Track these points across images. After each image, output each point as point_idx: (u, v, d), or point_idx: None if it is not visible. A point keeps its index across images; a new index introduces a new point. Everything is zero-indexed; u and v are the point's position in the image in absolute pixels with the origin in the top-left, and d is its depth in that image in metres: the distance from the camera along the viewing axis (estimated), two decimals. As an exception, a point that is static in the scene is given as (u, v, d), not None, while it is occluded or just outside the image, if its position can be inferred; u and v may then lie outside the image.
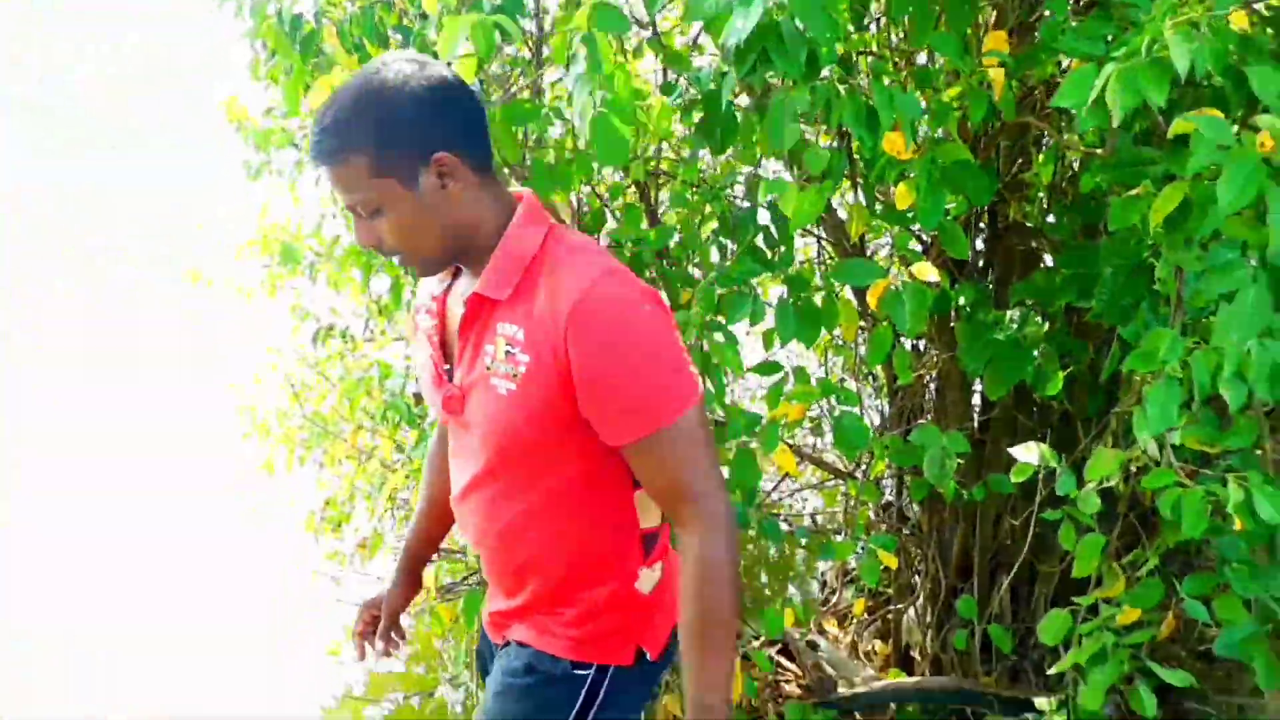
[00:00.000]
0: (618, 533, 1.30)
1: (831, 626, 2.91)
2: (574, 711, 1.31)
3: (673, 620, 1.30)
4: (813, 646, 2.61)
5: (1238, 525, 1.33)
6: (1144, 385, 1.36)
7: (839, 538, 2.49)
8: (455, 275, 1.31)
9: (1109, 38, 1.28)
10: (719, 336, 1.86)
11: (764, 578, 3.27)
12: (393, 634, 1.61)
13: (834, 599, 3.05)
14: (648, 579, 1.33)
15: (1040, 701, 1.97)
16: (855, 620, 2.80)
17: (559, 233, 1.21)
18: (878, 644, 2.72)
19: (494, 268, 1.19)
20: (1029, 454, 1.61)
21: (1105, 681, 1.85)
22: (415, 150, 1.12)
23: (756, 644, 2.37)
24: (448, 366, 1.28)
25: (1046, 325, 1.86)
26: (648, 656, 1.34)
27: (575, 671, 1.30)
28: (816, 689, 2.44)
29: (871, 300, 1.72)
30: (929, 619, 2.49)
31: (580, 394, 1.15)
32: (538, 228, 1.20)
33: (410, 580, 1.62)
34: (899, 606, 2.59)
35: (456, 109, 1.15)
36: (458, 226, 1.18)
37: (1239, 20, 1.21)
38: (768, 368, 1.95)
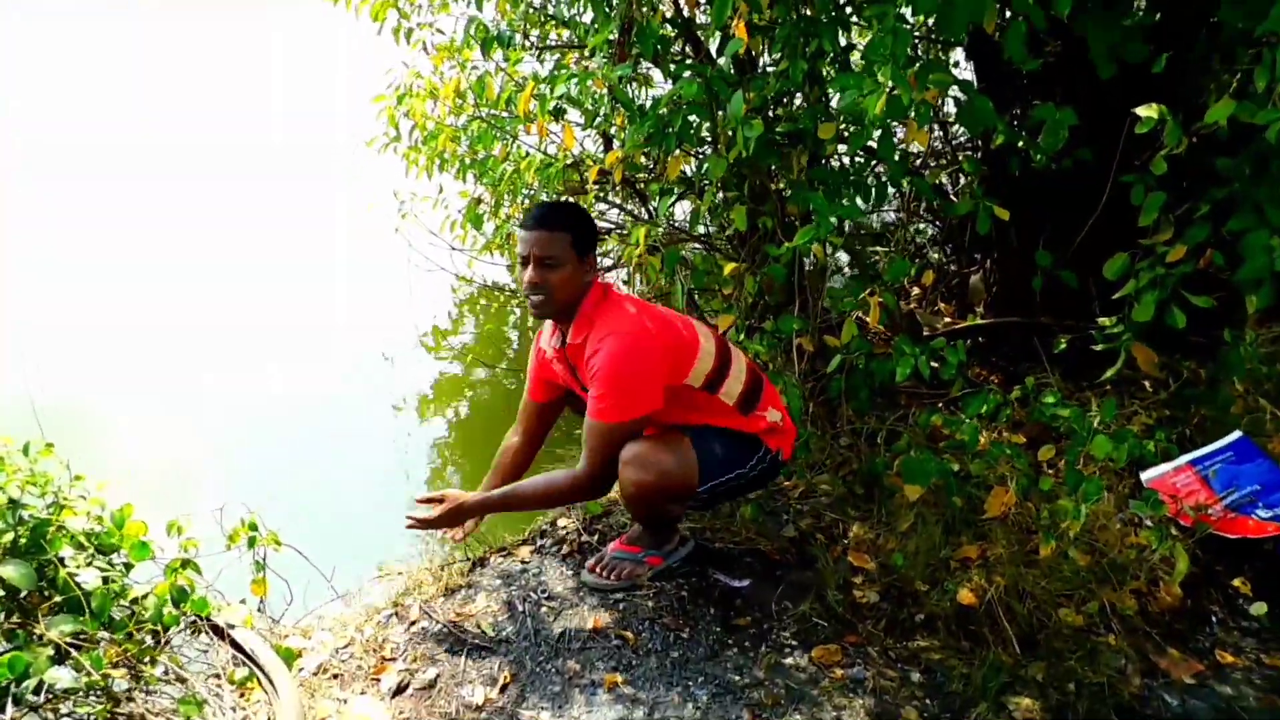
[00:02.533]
0: None
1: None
2: None
3: None
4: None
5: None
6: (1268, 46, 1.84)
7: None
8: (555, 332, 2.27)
9: None
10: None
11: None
12: (441, 516, 2.24)
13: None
14: None
15: (1103, 320, 2.62)
16: (923, 290, 3.42)
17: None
18: (943, 305, 3.36)
19: (578, 326, 2.16)
20: (1148, 111, 2.12)
21: (1153, 300, 2.49)
22: (591, 248, 2.15)
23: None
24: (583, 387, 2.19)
25: (1157, 15, 2.32)
26: None
27: None
28: (908, 330, 3.08)
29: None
30: (995, 277, 3.11)
31: None
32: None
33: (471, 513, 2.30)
34: (966, 270, 3.20)
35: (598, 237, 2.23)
36: (579, 294, 2.13)
37: None
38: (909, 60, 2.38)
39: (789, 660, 2.09)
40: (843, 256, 3.72)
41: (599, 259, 2.52)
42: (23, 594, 1.86)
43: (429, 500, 2.29)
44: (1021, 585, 2.23)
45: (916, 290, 3.52)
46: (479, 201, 3.79)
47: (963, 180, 3.16)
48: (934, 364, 2.71)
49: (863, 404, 2.83)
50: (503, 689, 2.00)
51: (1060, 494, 2.39)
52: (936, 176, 2.96)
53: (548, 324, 2.28)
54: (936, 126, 3.45)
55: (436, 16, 3.70)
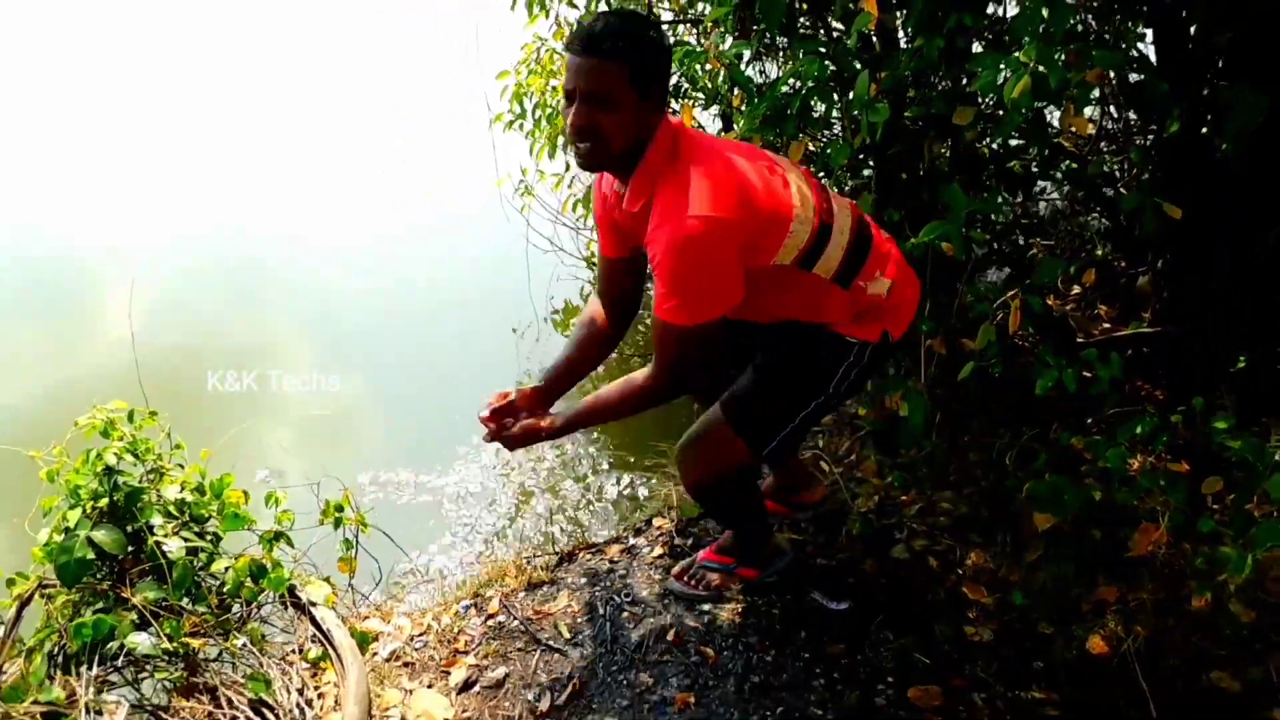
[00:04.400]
0: None
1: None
2: None
3: None
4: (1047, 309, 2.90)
5: None
6: None
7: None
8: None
9: None
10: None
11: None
12: (515, 438, 1.86)
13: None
14: None
15: (1293, 337, 2.24)
16: (1084, 288, 3.07)
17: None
18: (1104, 308, 3.01)
19: (636, 187, 1.69)
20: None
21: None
22: (659, 81, 1.64)
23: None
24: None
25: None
26: None
27: None
28: (1059, 335, 2.76)
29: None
30: (1165, 279, 2.73)
31: None
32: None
33: (542, 396, 1.95)
34: (1134, 270, 2.84)
35: (671, 64, 1.75)
36: (639, 142, 1.64)
37: None
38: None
39: (880, 698, 1.90)
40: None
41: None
42: (118, 558, 1.92)
43: (501, 407, 1.91)
44: (1167, 639, 1.94)
45: (1077, 289, 3.17)
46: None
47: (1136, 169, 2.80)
48: (1086, 374, 2.41)
49: (995, 417, 2.56)
50: (570, 696, 1.92)
51: (1224, 537, 2.06)
52: (1102, 165, 2.61)
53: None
54: (1112, 107, 3.08)
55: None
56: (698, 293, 1.63)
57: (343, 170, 6.72)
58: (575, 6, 3.56)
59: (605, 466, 3.24)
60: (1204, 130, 2.33)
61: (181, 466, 2.07)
